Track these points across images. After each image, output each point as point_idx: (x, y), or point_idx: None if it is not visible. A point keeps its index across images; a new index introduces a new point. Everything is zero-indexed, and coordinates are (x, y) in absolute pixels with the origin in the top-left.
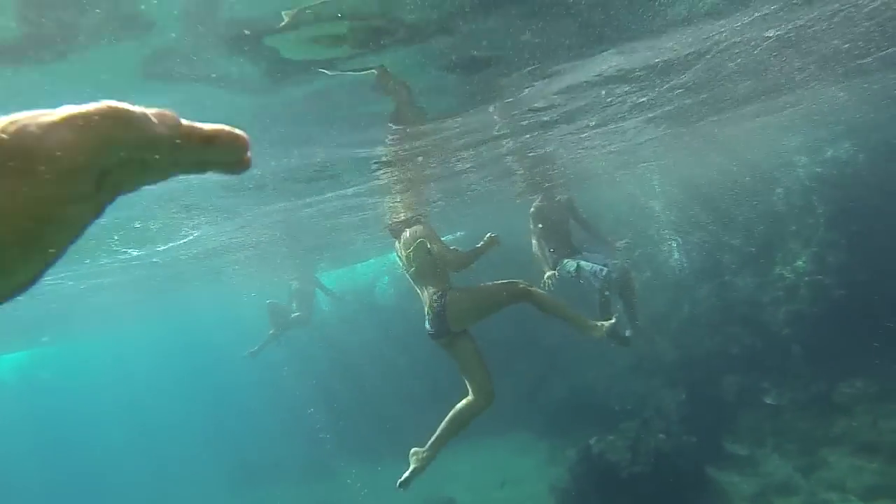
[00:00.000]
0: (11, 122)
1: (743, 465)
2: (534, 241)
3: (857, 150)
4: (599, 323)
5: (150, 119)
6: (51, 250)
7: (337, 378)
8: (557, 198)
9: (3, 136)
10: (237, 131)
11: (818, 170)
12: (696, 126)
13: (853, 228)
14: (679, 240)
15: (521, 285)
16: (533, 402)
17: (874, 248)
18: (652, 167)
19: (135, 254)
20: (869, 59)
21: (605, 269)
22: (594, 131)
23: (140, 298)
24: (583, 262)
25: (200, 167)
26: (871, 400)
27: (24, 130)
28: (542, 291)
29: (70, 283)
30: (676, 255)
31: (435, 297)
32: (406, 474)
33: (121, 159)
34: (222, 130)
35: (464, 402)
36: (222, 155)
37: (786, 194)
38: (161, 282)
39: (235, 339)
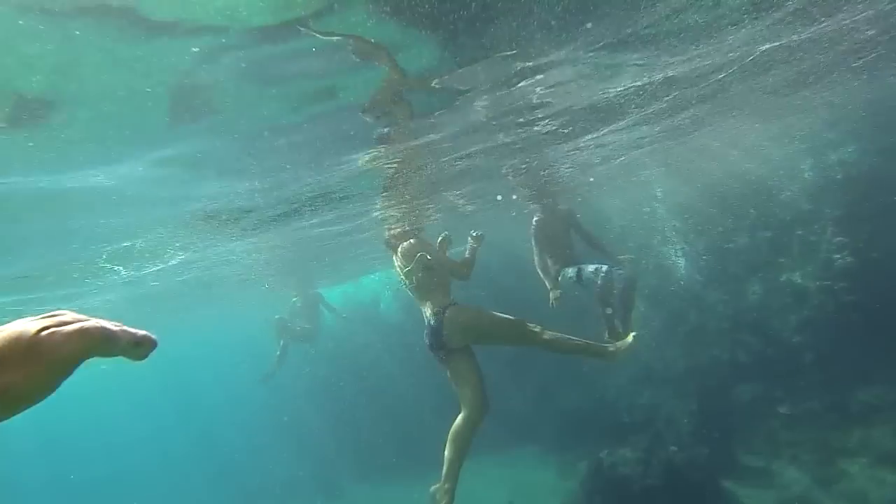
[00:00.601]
0: (45, 328)
1: (759, 478)
2: (536, 257)
3: (863, 153)
4: (617, 345)
5: (117, 333)
6: (26, 408)
7: (346, 395)
8: (559, 207)
9: (41, 336)
10: (153, 336)
11: (824, 173)
12: (697, 131)
13: (862, 232)
14: (685, 247)
15: (535, 330)
16: (540, 415)
17: (884, 252)
18: (654, 173)
19: (123, 272)
20: (872, 57)
21: (606, 266)
22: (593, 136)
23: (137, 320)
24: (583, 266)
25: (119, 356)
26: (891, 408)
27: (52, 336)
28: (552, 336)
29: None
30: (682, 263)
31: (435, 310)
32: None
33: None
34: (147, 336)
35: (458, 420)
36: (142, 352)
37: (791, 199)
38: (159, 302)
39: (239, 357)
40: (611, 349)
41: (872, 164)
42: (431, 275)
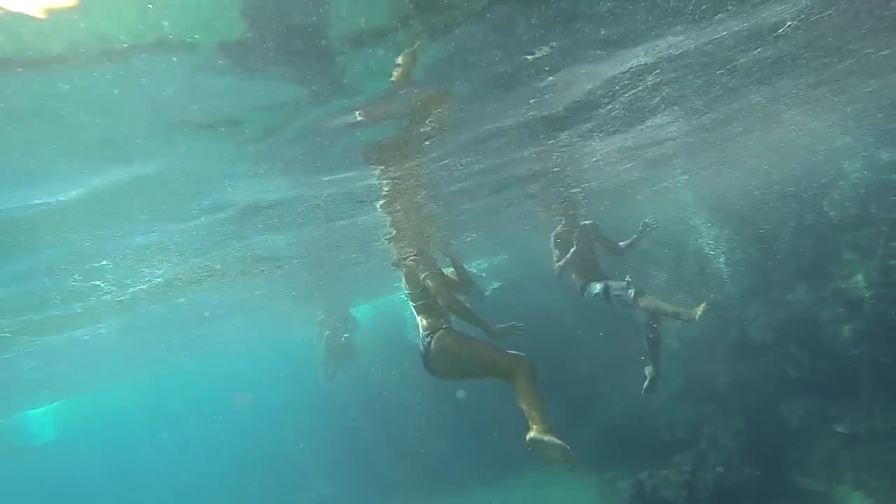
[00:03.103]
0: None
1: (819, 503)
2: (555, 259)
3: None
4: (566, 449)
5: None
6: None
7: (368, 416)
8: (583, 223)
9: None
10: None
11: (874, 175)
12: (733, 129)
13: None
14: (723, 253)
15: (524, 366)
16: (578, 431)
17: None
18: (687, 177)
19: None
20: None
21: (633, 290)
22: (622, 135)
23: (163, 342)
24: (611, 283)
25: None
26: None
27: None
28: (531, 383)
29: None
30: (721, 270)
31: (424, 333)
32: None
33: None
34: None
35: (516, 391)
36: None
37: (838, 202)
38: (186, 324)
39: (269, 379)
40: (554, 440)
41: None
42: (428, 295)
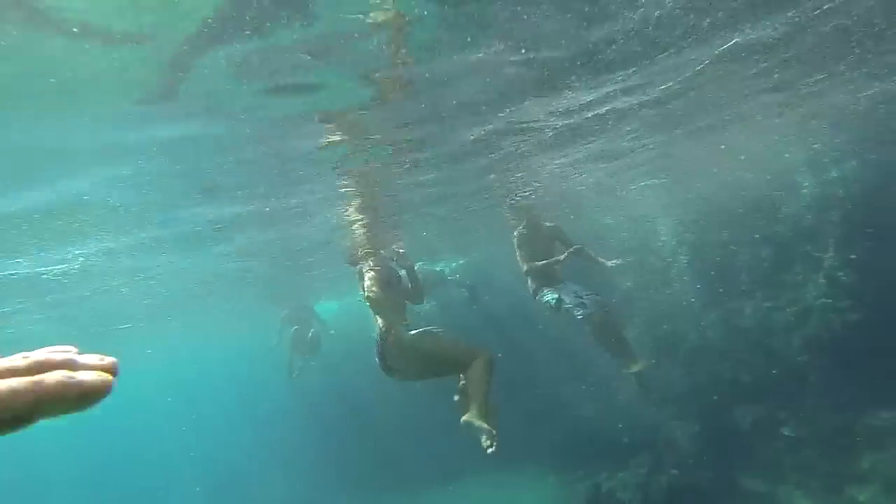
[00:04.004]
0: None
1: (762, 503)
2: (523, 263)
3: (864, 167)
4: (492, 434)
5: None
6: None
7: (334, 411)
8: (546, 224)
9: None
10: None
11: (824, 189)
12: (690, 144)
13: (866, 249)
14: (683, 263)
15: (486, 355)
16: (538, 434)
17: (891, 269)
18: (649, 185)
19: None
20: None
21: (585, 308)
22: (582, 146)
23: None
24: (564, 296)
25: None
26: None
27: None
28: (485, 373)
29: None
30: (682, 279)
31: (381, 331)
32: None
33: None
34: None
35: (469, 377)
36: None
37: (791, 215)
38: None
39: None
40: (485, 425)
41: (874, 178)
42: (387, 294)
